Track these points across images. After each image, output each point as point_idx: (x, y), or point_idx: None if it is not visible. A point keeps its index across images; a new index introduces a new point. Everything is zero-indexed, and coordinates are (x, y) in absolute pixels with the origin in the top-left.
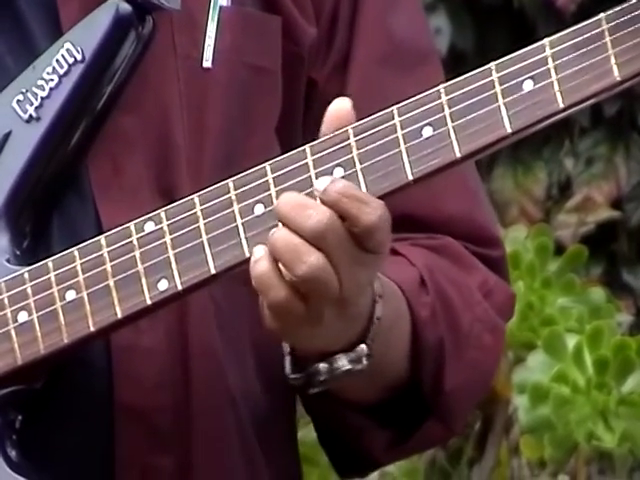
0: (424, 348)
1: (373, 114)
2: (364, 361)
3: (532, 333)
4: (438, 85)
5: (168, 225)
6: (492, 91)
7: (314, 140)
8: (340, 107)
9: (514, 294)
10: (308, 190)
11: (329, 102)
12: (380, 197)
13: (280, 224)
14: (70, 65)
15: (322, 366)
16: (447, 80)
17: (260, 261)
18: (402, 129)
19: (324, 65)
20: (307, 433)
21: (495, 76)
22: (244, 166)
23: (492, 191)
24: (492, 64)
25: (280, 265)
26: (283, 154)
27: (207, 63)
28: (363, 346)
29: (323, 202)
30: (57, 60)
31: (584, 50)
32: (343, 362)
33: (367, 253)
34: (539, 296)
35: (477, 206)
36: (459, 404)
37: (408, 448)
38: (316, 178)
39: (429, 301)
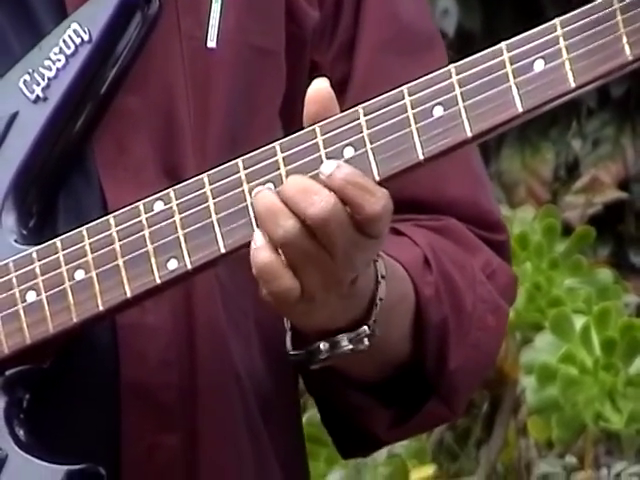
0: (428, 327)
1: (383, 94)
2: (365, 341)
3: (539, 314)
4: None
5: (177, 204)
6: (503, 71)
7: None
8: (320, 87)
9: (516, 277)
10: (317, 170)
11: (333, 87)
12: (390, 177)
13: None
14: (77, 45)
15: (323, 344)
16: (455, 61)
17: (261, 249)
18: (412, 108)
19: (328, 49)
20: (315, 413)
21: (506, 56)
22: (247, 147)
23: (500, 172)
24: (503, 44)
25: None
26: (292, 133)
27: (211, 43)
28: (365, 327)
29: (328, 187)
30: (64, 40)
31: (595, 30)
32: (344, 342)
33: (367, 238)
34: (546, 277)
35: (481, 190)
36: (462, 384)
37: (411, 427)
38: (326, 158)
39: (433, 280)
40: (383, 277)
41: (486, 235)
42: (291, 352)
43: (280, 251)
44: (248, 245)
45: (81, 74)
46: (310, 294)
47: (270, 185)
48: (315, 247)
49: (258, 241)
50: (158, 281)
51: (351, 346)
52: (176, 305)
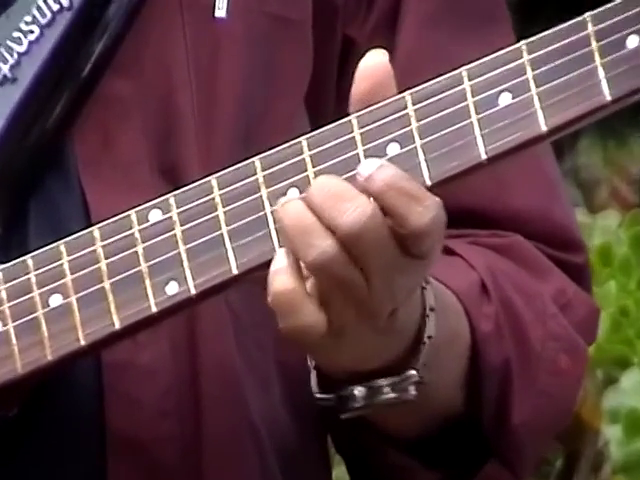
0: (486, 371)
1: (437, 77)
2: (412, 390)
3: (626, 346)
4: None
5: (179, 214)
6: (587, 49)
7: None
8: (375, 62)
9: (598, 308)
10: (353, 172)
11: None
12: (444, 181)
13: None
14: (54, 13)
15: (358, 390)
16: (524, 37)
17: (281, 274)
18: (473, 96)
19: (365, 21)
20: (343, 473)
21: (591, 29)
22: (265, 141)
23: (577, 168)
24: (587, 14)
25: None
26: (322, 126)
27: (220, 12)
28: (412, 372)
29: (366, 192)
30: (38, 7)
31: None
32: (386, 389)
33: (411, 259)
34: (635, 300)
35: (554, 199)
36: (528, 443)
37: None
38: (365, 157)
39: (492, 312)
40: (432, 309)
41: (560, 256)
42: (318, 395)
43: (308, 279)
44: (267, 266)
45: (58, 49)
46: (339, 328)
47: (294, 191)
48: (354, 272)
49: (279, 262)
50: (154, 309)
51: (394, 395)
52: (177, 340)
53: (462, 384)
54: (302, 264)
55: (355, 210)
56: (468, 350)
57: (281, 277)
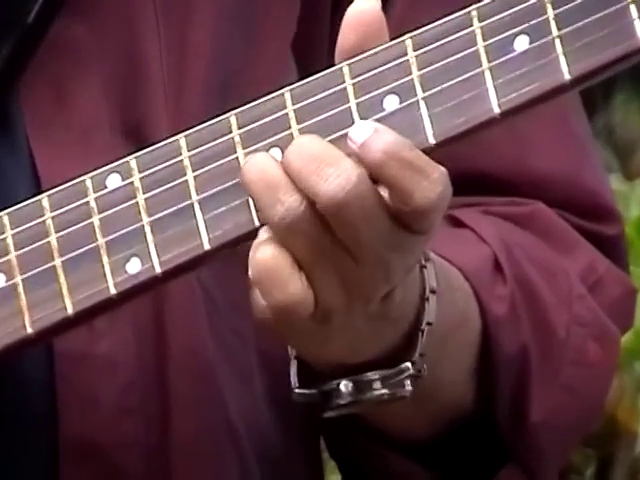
0: (500, 360)
1: (442, 18)
2: (407, 385)
3: None
4: None
5: (141, 179)
6: None
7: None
8: (365, 8)
9: (635, 290)
10: (345, 129)
11: None
12: (450, 139)
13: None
14: None
15: (344, 385)
16: None
17: (264, 245)
18: (484, 40)
19: None
20: None
21: None
22: (247, 95)
23: (611, 128)
24: None
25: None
26: (309, 76)
27: None
28: (407, 364)
29: (360, 161)
30: None
31: None
32: (377, 385)
33: (409, 233)
34: None
35: (584, 161)
36: (550, 444)
37: None
38: (358, 110)
39: (506, 292)
40: (433, 292)
41: (590, 226)
42: (297, 390)
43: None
44: (244, 239)
45: None
46: (326, 310)
47: (276, 151)
48: (329, 240)
49: (264, 234)
50: (113, 291)
51: (386, 390)
52: (140, 326)
53: (472, 377)
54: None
55: (338, 176)
56: (479, 337)
57: (264, 247)
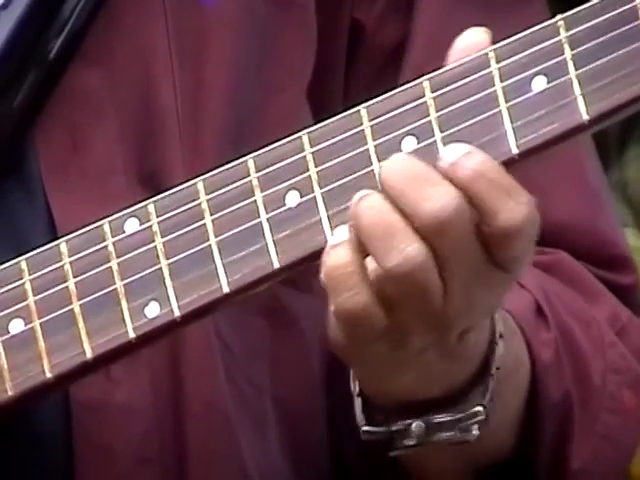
0: (545, 406)
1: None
2: (475, 429)
3: None
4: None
5: (159, 223)
6: (635, 23)
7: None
8: (474, 40)
9: None
10: (362, 171)
11: (383, 55)
12: None
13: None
14: None
15: (417, 425)
16: (561, 10)
17: (339, 247)
18: (502, 80)
19: (374, 2)
20: None
21: None
22: (262, 141)
23: (624, 182)
24: None
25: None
26: (326, 119)
27: None
28: (479, 408)
29: (450, 180)
30: None
31: None
32: (447, 426)
33: (495, 268)
34: None
35: (599, 212)
36: None
37: None
38: (376, 152)
39: (551, 338)
40: (502, 336)
41: (606, 275)
42: (366, 428)
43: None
44: (263, 282)
45: (17, 35)
46: (402, 334)
47: (294, 194)
48: (435, 279)
49: (339, 236)
50: (132, 335)
51: (454, 433)
52: (158, 375)
53: (517, 421)
54: (380, 271)
55: (440, 198)
56: (528, 382)
57: (338, 250)
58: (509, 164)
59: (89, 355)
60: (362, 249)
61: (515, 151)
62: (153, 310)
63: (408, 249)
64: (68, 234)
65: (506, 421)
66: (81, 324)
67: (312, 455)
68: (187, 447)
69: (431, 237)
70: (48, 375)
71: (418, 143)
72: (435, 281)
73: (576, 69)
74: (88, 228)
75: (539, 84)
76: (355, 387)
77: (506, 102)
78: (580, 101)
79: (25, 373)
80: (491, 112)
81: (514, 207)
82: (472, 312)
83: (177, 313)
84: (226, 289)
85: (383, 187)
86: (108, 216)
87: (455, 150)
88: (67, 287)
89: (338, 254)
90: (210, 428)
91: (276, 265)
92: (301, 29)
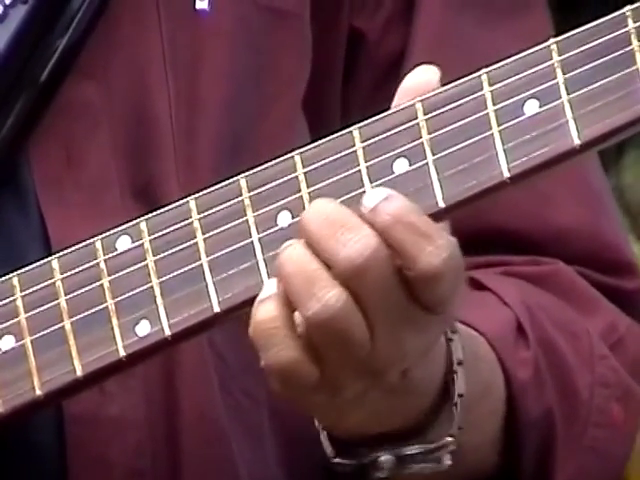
0: (524, 424)
1: (452, 81)
2: (447, 459)
3: None
4: (547, 40)
5: (151, 241)
6: (627, 48)
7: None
8: (424, 79)
9: None
10: (354, 192)
11: (385, 64)
12: (460, 203)
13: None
14: (7, 7)
15: (385, 459)
16: (558, 33)
17: (267, 302)
18: (494, 104)
19: (376, 11)
20: None
21: (632, 26)
22: (256, 154)
23: (621, 189)
24: (627, 9)
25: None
26: (319, 139)
27: (202, 4)
28: (449, 439)
29: (371, 225)
30: None
31: None
32: (417, 458)
33: (422, 310)
34: None
35: (602, 216)
36: None
37: None
38: (368, 175)
39: (530, 357)
40: (460, 363)
41: (609, 281)
42: (334, 460)
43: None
44: (253, 302)
45: (12, 49)
46: (334, 383)
47: (285, 214)
48: (359, 326)
49: (267, 290)
50: (122, 353)
51: (427, 465)
52: (151, 388)
53: (497, 442)
54: (301, 319)
55: (358, 242)
56: (504, 405)
57: (266, 304)
58: (501, 187)
59: (79, 373)
60: (289, 302)
61: (507, 174)
62: (144, 328)
63: (327, 296)
64: (63, 249)
65: (484, 442)
66: (72, 341)
67: (308, 465)
68: (181, 458)
69: (350, 282)
70: (38, 392)
71: (410, 165)
72: (359, 327)
73: (568, 93)
74: (80, 245)
75: (531, 108)
76: (319, 422)
77: (498, 125)
78: (572, 125)
79: (15, 390)
80: (483, 135)
81: (433, 251)
82: (404, 355)
83: (167, 332)
84: (217, 308)
85: (301, 234)
86: (100, 233)
87: (375, 195)
88: (58, 304)
89: (265, 308)
90: (204, 439)
91: (266, 279)
92: (296, 38)
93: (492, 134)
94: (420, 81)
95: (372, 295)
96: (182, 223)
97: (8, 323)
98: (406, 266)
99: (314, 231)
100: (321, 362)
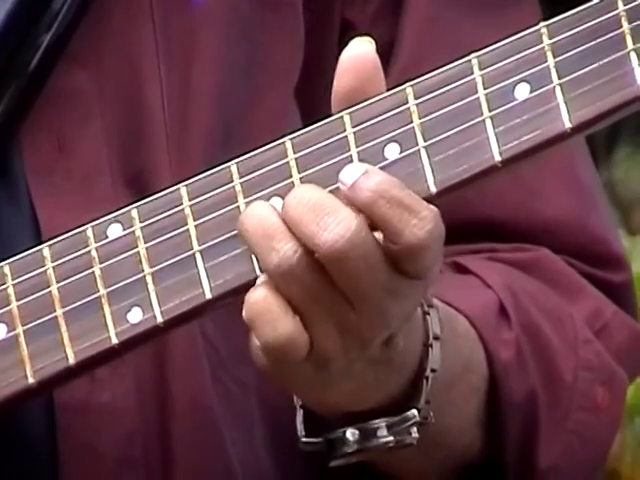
0: (507, 405)
1: (442, 66)
2: (414, 432)
3: None
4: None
5: (142, 228)
6: (618, 31)
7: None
8: (360, 52)
9: None
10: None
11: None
12: (452, 187)
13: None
14: None
15: (351, 433)
16: (547, 17)
17: (258, 287)
18: (485, 88)
19: (366, 2)
20: None
21: (622, 9)
22: (250, 142)
23: (612, 183)
24: None
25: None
26: (310, 124)
27: None
28: (413, 411)
29: (351, 203)
30: None
31: None
32: (383, 432)
33: (405, 278)
34: None
35: (590, 209)
36: None
37: None
38: (358, 159)
39: (512, 338)
40: (436, 338)
41: (596, 273)
42: (304, 440)
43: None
44: (244, 288)
45: (0, 35)
46: (322, 355)
47: (277, 200)
48: (326, 287)
49: (260, 279)
50: (115, 340)
51: (393, 438)
52: (143, 376)
53: (480, 423)
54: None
55: (338, 225)
56: (485, 383)
57: (258, 289)
58: (493, 171)
59: (72, 361)
60: (281, 290)
61: (498, 158)
62: (136, 315)
63: (285, 248)
64: (53, 237)
65: (464, 422)
66: (64, 329)
67: (297, 452)
68: (172, 446)
69: (334, 265)
70: (31, 380)
71: (401, 150)
72: (327, 287)
73: (559, 77)
74: (71, 233)
75: (522, 91)
76: (297, 401)
77: (489, 109)
78: (563, 108)
79: (7, 378)
80: (474, 119)
81: (418, 224)
82: (388, 322)
83: (160, 319)
84: (208, 295)
85: (285, 219)
86: (91, 221)
87: (353, 170)
88: (50, 292)
89: (258, 291)
90: (195, 427)
91: (258, 272)
92: (288, 29)
93: (483, 119)
94: (357, 53)
95: (356, 275)
96: (173, 210)
97: (0, 312)
98: (391, 240)
99: (295, 217)
100: (308, 329)
